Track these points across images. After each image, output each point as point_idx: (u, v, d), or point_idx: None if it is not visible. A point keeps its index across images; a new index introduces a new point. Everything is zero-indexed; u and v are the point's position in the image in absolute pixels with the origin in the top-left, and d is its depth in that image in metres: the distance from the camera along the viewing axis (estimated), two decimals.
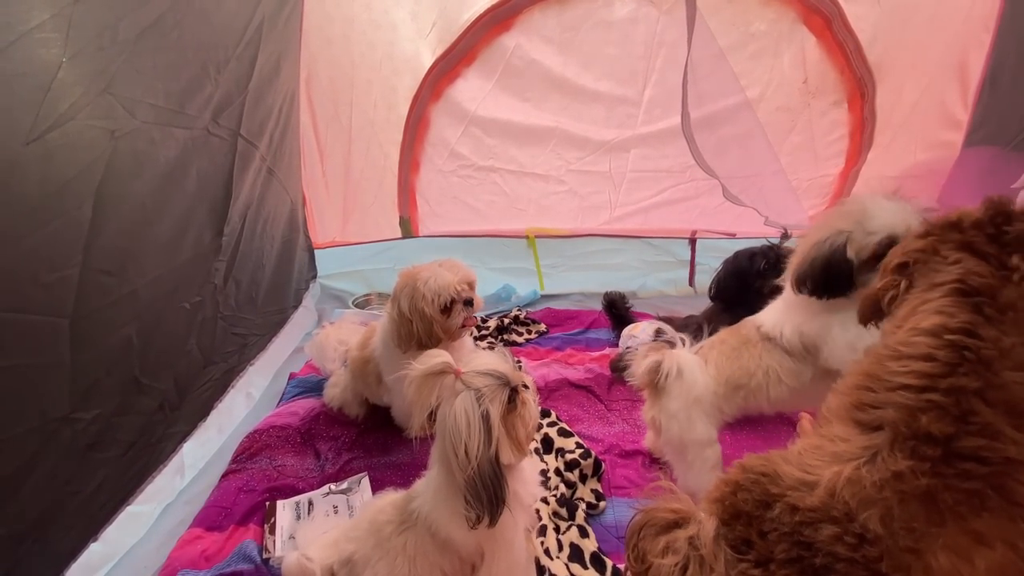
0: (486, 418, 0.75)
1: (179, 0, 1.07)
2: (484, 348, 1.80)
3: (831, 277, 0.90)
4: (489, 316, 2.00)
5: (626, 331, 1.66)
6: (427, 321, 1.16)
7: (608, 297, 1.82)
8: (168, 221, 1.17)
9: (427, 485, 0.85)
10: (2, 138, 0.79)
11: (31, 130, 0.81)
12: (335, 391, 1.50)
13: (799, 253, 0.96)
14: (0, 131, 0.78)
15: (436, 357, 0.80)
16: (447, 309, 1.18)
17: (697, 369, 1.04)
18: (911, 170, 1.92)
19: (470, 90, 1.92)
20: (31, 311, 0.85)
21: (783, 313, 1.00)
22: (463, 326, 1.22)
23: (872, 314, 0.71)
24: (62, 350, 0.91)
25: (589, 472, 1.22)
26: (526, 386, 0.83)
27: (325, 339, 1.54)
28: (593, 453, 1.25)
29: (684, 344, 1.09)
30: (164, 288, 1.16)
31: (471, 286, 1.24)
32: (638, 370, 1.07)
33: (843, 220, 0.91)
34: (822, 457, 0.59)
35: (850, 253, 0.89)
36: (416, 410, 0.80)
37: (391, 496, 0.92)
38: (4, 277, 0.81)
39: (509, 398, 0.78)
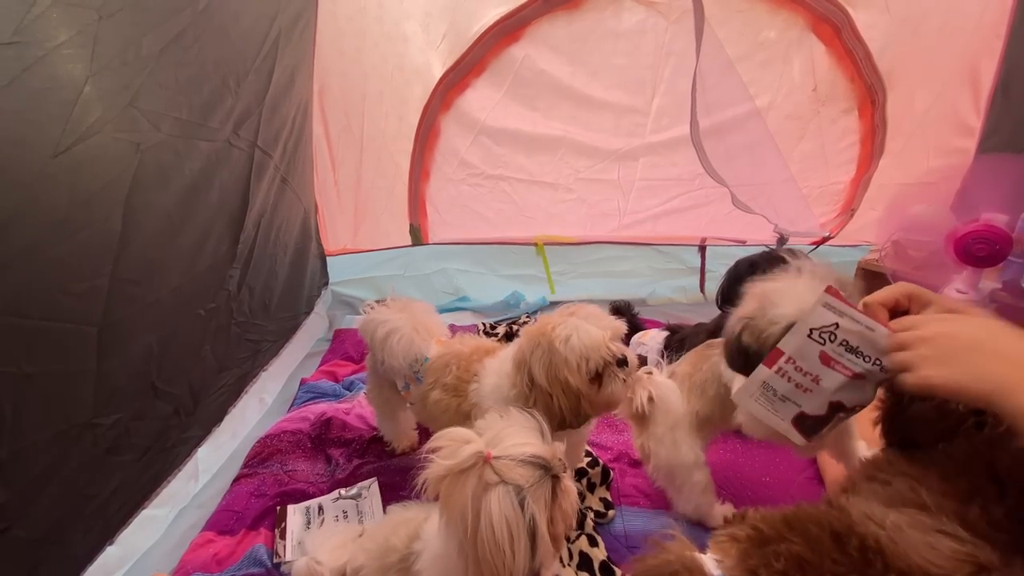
0: (532, 528, 0.59)
1: (199, 16, 1.10)
2: None
3: (741, 361, 0.87)
4: (498, 323, 2.01)
5: (635, 338, 1.66)
6: (573, 395, 0.86)
7: (614, 306, 1.82)
8: (191, 231, 1.19)
9: (431, 542, 0.72)
10: (31, 151, 0.82)
11: (59, 143, 0.84)
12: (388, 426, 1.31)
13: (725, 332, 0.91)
14: (29, 144, 0.81)
15: (465, 444, 0.63)
16: (598, 376, 0.88)
17: (672, 393, 1.03)
18: (924, 176, 1.90)
19: (480, 100, 1.94)
20: (62, 319, 0.88)
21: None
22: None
23: None
24: (89, 357, 0.94)
25: (597, 481, 1.22)
26: (565, 466, 0.67)
27: (412, 332, 1.13)
28: (601, 461, 1.25)
29: (661, 368, 1.08)
30: (184, 296, 1.19)
31: (620, 338, 0.93)
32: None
33: (752, 303, 0.86)
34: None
35: (746, 339, 0.82)
36: (448, 518, 0.63)
37: (411, 513, 0.83)
38: (37, 286, 0.84)
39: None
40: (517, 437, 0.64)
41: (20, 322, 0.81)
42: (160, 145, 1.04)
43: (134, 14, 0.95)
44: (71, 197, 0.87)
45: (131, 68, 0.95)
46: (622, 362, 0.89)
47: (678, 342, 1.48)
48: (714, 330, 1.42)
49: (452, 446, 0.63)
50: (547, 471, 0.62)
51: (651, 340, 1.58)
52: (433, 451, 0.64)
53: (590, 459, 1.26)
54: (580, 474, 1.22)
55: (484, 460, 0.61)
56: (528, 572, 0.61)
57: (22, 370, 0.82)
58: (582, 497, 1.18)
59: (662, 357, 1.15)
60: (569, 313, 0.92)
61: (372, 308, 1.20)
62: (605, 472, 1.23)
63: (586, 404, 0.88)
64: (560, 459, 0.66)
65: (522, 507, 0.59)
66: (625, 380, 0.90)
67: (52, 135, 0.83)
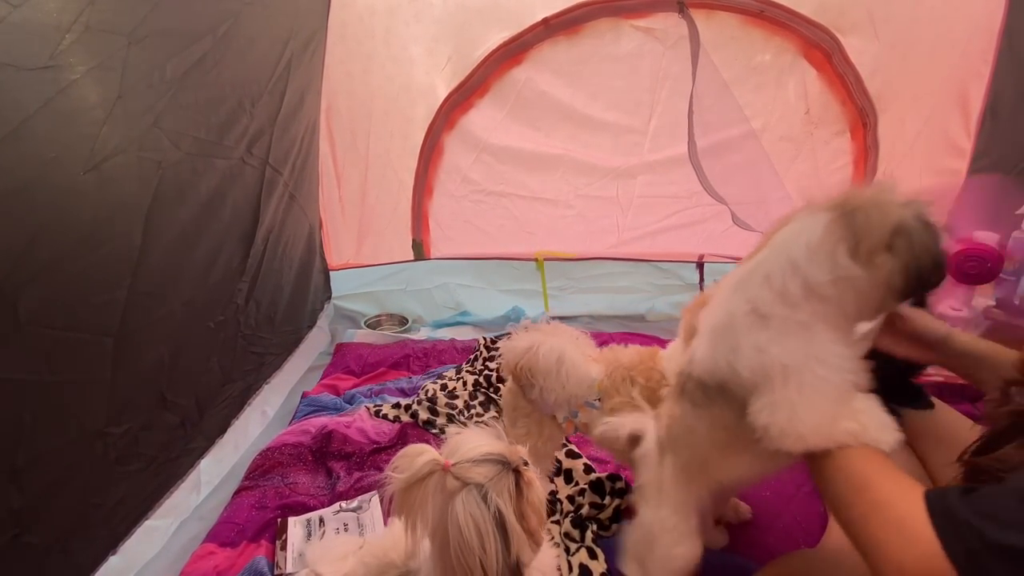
0: (500, 520, 0.60)
1: (220, 40, 1.16)
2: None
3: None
4: (499, 337, 2.03)
5: None
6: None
7: None
8: (205, 245, 1.23)
9: (424, 560, 0.72)
10: (63, 168, 0.86)
11: (88, 160, 0.88)
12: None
13: None
14: (61, 162, 0.86)
15: (419, 455, 0.64)
16: None
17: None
18: (916, 196, 1.94)
19: (483, 120, 2.00)
20: (82, 330, 0.91)
21: None
22: None
23: None
24: (104, 367, 0.96)
25: (611, 494, 1.21)
26: (526, 461, 0.67)
27: (578, 354, 0.98)
28: (623, 476, 1.24)
29: None
30: (195, 308, 1.22)
31: None
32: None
33: None
34: None
35: None
36: (411, 529, 0.65)
37: None
38: (62, 297, 0.87)
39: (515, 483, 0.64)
40: (472, 441, 0.66)
41: (46, 332, 0.84)
42: (179, 163, 1.09)
43: (160, 40, 1.00)
44: (96, 212, 0.91)
45: (155, 91, 1.00)
46: None
47: None
48: None
49: (406, 459, 0.65)
50: (506, 465, 0.64)
51: None
52: (392, 468, 0.66)
53: (606, 474, 1.25)
54: (597, 486, 1.21)
55: (443, 469, 0.63)
56: (506, 567, 0.61)
57: (43, 379, 0.85)
58: (596, 507, 1.18)
59: None
60: None
61: (518, 334, 1.03)
62: (624, 490, 1.21)
63: None
64: (520, 456, 0.67)
65: (486, 501, 0.60)
66: None
67: (82, 153, 0.87)
